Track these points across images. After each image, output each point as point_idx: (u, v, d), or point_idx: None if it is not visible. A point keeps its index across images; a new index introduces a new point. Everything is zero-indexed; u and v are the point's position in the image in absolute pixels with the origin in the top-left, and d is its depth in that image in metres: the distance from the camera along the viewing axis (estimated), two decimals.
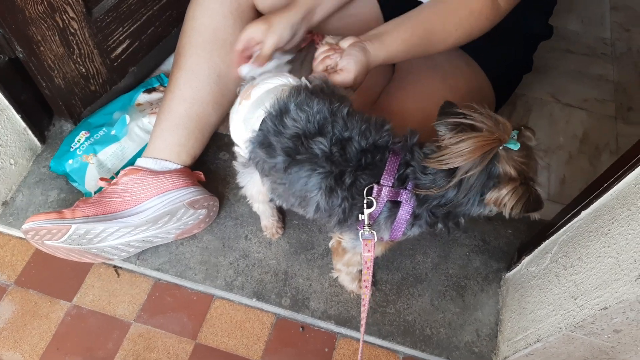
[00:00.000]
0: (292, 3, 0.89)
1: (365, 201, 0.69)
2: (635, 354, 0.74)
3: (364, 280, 0.74)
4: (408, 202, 0.70)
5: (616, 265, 0.65)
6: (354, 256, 0.87)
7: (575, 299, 0.73)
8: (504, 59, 1.08)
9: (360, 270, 0.98)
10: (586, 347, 0.77)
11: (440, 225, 0.73)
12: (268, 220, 1.05)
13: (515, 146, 0.64)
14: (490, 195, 0.66)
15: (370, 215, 0.70)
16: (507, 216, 0.68)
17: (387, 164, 0.70)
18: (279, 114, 0.71)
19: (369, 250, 0.72)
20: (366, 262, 0.73)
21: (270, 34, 0.84)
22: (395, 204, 0.71)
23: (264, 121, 0.73)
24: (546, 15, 1.09)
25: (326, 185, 0.69)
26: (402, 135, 0.72)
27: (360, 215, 0.71)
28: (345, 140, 0.69)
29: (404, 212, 0.70)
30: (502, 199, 0.65)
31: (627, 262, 0.63)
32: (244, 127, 0.77)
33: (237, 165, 0.89)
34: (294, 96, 0.71)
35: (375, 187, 0.69)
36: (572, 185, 1.23)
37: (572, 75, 1.46)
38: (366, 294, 0.75)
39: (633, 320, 0.65)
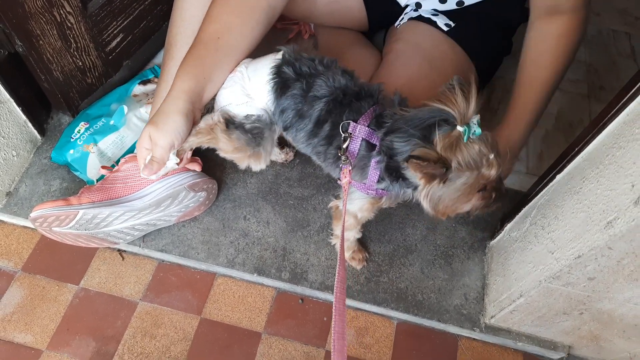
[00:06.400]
0: (175, 88, 0.85)
1: (342, 136, 0.80)
2: (609, 301, 0.81)
3: (344, 205, 0.83)
4: (378, 141, 0.79)
5: (588, 218, 0.72)
6: (350, 219, 0.93)
7: (552, 253, 0.80)
8: (486, 44, 1.14)
9: (356, 240, 1.04)
10: (564, 299, 0.84)
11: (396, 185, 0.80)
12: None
13: (468, 131, 0.69)
14: (416, 151, 0.70)
15: (347, 149, 0.80)
16: (420, 196, 0.76)
17: (369, 110, 0.80)
18: (290, 63, 0.84)
19: (345, 177, 0.81)
20: (344, 187, 0.82)
21: (164, 145, 0.84)
22: (370, 147, 0.80)
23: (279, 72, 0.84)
24: (521, 1, 1.16)
25: (326, 107, 0.82)
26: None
27: (338, 150, 0.81)
28: (346, 85, 0.82)
29: (376, 151, 0.79)
30: (421, 167, 0.70)
31: (597, 214, 0.70)
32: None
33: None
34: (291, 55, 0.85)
35: (352, 123, 0.79)
36: (549, 159, 1.31)
37: None
38: (345, 220, 0.83)
39: (605, 266, 0.72)
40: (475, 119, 0.68)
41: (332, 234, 1.08)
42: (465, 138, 0.68)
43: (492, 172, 0.72)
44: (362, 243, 1.11)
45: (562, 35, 0.94)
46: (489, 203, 0.79)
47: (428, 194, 0.74)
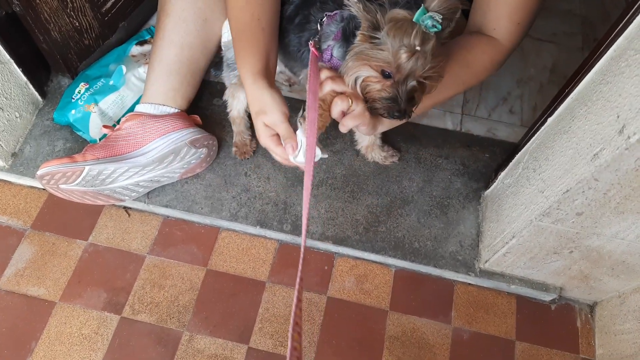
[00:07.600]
0: (250, 75, 0.85)
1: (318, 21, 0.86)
2: (597, 237, 0.85)
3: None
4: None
5: (576, 154, 0.75)
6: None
7: (542, 192, 0.84)
8: None
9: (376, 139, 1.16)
10: (554, 237, 0.88)
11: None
12: (241, 137, 1.18)
13: (419, 17, 0.67)
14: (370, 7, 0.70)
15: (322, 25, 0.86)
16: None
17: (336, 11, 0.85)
18: None
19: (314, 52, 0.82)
20: (312, 51, 0.82)
21: (280, 119, 0.81)
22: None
23: None
24: None
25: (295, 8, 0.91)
26: None
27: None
28: None
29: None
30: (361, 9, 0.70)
31: (584, 148, 0.73)
32: None
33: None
34: None
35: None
36: None
37: (541, 11, 1.53)
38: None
39: (592, 199, 0.75)
40: (437, 16, 0.67)
41: (356, 144, 1.20)
42: (413, 18, 0.67)
43: (406, 61, 0.69)
44: (362, 189, 1.14)
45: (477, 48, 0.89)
46: (383, 99, 0.75)
47: (353, 49, 0.74)
